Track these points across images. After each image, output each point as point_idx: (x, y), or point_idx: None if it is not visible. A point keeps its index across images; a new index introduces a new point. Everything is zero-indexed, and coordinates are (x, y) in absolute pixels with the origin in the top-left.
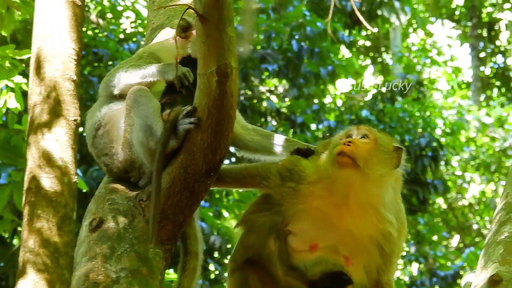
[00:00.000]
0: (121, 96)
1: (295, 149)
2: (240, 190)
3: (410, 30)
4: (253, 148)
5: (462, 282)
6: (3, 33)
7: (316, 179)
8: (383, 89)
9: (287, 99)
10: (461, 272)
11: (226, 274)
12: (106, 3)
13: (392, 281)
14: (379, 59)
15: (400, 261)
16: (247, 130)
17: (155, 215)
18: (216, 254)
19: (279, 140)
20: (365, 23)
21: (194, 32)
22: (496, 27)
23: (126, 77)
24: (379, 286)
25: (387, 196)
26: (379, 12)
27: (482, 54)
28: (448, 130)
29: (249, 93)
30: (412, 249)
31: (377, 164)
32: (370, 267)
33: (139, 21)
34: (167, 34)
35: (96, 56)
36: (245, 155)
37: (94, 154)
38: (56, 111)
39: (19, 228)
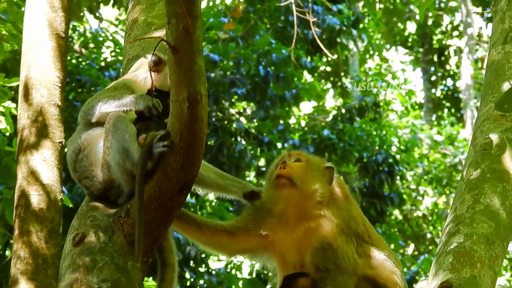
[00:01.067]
0: (98, 124)
1: (249, 192)
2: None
3: (367, 56)
4: (207, 183)
5: None
6: None
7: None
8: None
9: (255, 120)
10: (417, 277)
11: (201, 282)
12: (88, 34)
13: None
14: (339, 83)
15: None
16: (204, 165)
17: (140, 235)
18: (191, 263)
19: (232, 181)
20: (325, 50)
21: (162, 65)
22: (445, 53)
23: (103, 107)
24: None
25: (325, 208)
26: (338, 40)
27: (433, 78)
28: (402, 148)
29: (220, 115)
30: None
31: (312, 181)
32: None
33: (118, 50)
34: (142, 65)
35: (80, 83)
36: (196, 189)
37: (76, 178)
38: (43, 134)
39: (11, 241)
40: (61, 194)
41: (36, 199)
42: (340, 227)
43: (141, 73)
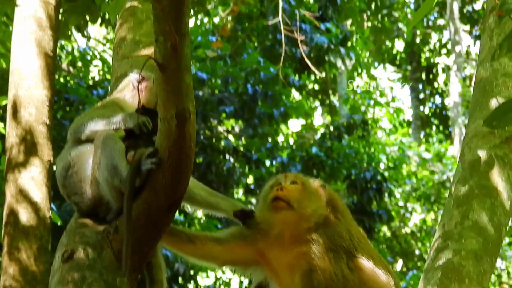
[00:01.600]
0: (87, 141)
1: (239, 210)
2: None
3: (355, 74)
4: (197, 201)
5: None
6: None
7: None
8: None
9: (243, 138)
10: None
11: None
12: (76, 53)
13: None
14: (327, 101)
15: None
16: (194, 183)
17: (127, 251)
18: (180, 280)
19: (222, 199)
20: (313, 68)
21: (147, 83)
22: (434, 71)
23: (92, 124)
24: None
25: (314, 230)
26: (326, 58)
27: (421, 95)
28: (391, 165)
29: (209, 133)
30: None
31: (309, 203)
32: None
33: (106, 69)
34: (129, 82)
35: (68, 101)
36: (185, 206)
37: (65, 195)
38: (31, 152)
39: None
40: (50, 212)
41: (25, 216)
42: (326, 245)
43: (128, 91)
